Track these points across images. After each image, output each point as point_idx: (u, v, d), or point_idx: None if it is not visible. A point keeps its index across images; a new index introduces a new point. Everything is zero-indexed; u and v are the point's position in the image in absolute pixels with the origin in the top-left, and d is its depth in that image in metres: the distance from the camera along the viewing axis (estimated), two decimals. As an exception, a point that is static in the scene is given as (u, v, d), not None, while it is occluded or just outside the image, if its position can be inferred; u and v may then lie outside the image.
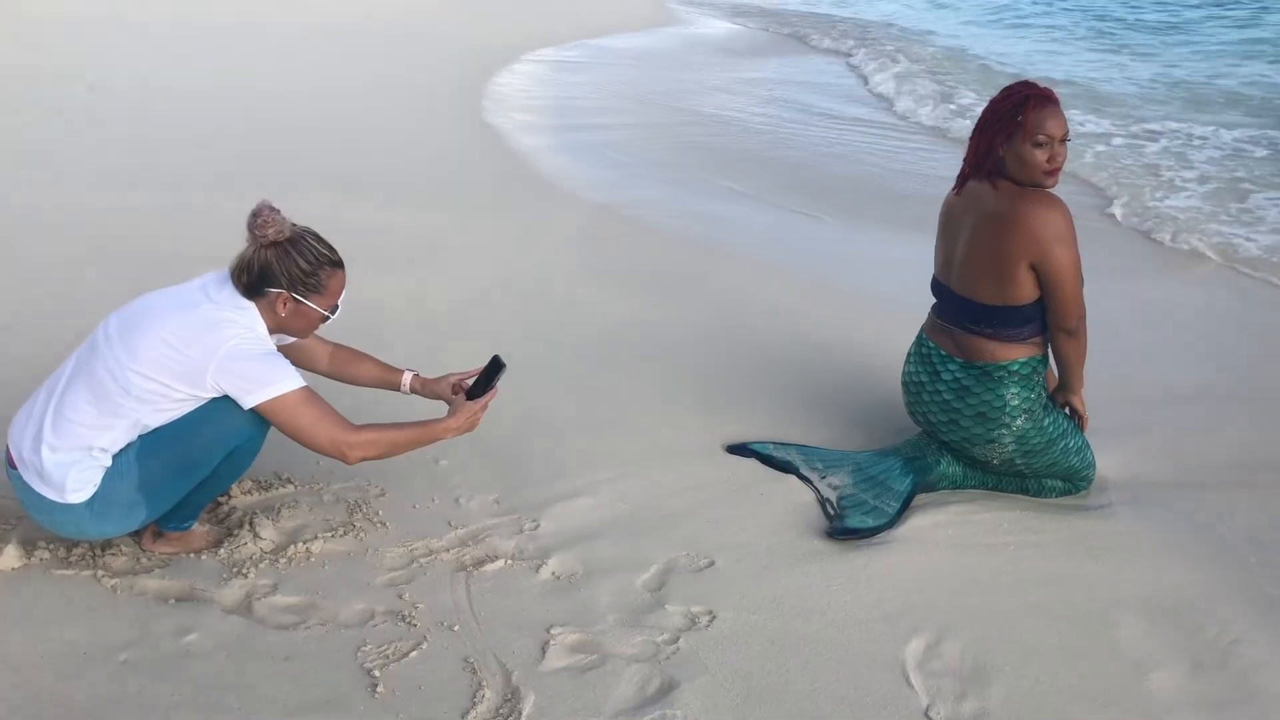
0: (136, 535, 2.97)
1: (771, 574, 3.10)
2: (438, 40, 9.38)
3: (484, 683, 2.59)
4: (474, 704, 2.52)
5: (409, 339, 4.32)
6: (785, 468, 3.67)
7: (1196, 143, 8.52)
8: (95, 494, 2.73)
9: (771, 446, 3.77)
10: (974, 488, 3.65)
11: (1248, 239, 6.38)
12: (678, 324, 4.65)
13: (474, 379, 3.05)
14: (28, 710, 2.41)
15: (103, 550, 2.93)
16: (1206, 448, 3.99)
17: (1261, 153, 8.25)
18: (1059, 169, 3.24)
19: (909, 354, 3.67)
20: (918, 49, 10.96)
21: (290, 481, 3.32)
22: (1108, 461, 3.82)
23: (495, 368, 3.01)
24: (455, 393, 3.09)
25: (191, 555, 2.96)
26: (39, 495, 2.74)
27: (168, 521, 2.91)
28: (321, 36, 9.04)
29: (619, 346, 4.41)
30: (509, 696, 2.56)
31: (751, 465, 3.67)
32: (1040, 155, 3.21)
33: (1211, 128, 8.86)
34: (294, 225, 2.72)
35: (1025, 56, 11.68)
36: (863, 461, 3.69)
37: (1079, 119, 8.77)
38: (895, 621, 2.94)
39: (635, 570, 3.06)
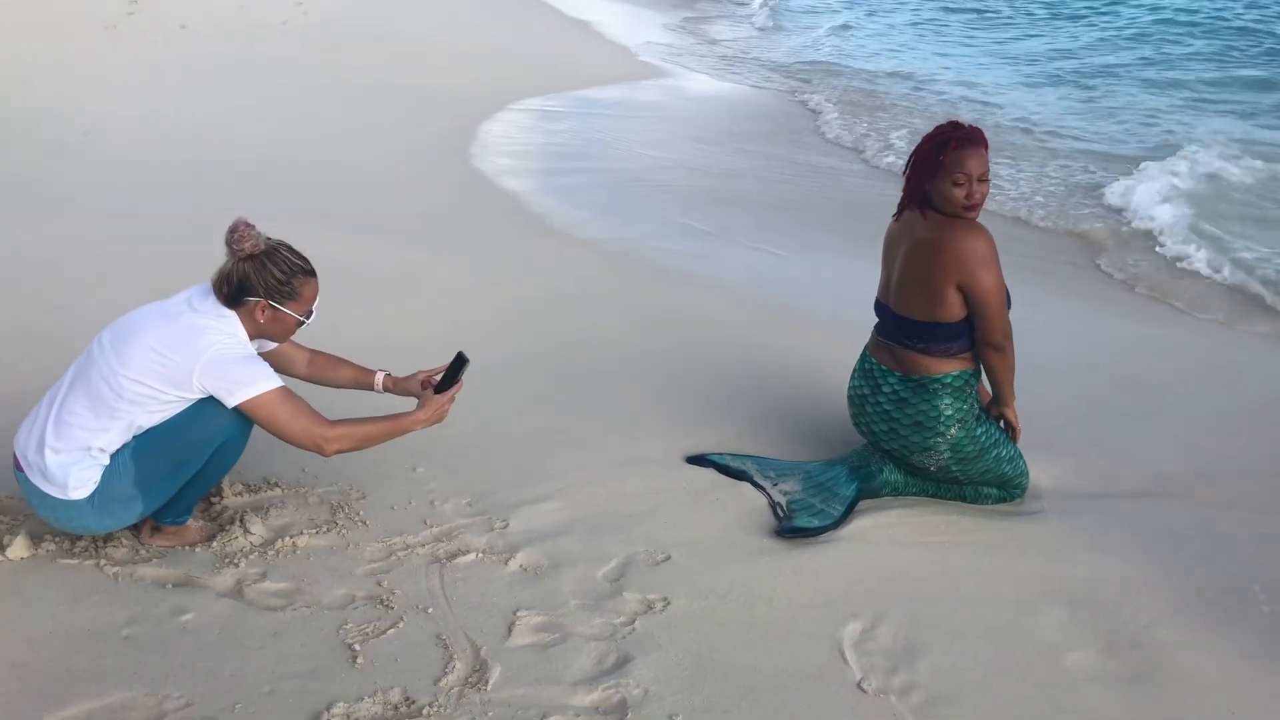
0: (135, 530, 3.21)
1: (723, 567, 3.37)
2: (425, 92, 9.74)
3: (455, 656, 2.84)
4: (445, 673, 2.77)
5: (390, 360, 4.58)
6: (740, 476, 3.93)
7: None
8: (96, 490, 2.98)
9: (728, 457, 4.04)
10: (915, 494, 3.93)
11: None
12: (643, 347, 4.93)
13: (441, 374, 3.31)
14: (41, 678, 2.65)
15: (104, 543, 3.18)
16: (1133, 462, 4.27)
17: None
18: (977, 205, 3.55)
19: (854, 370, 3.96)
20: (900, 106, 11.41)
21: (278, 485, 3.57)
22: (1042, 473, 4.10)
23: (460, 362, 3.27)
24: (424, 388, 3.35)
25: (186, 548, 3.20)
26: (44, 494, 2.99)
27: (164, 516, 3.16)
28: (313, 91, 9.39)
29: (588, 368, 4.67)
30: (477, 667, 2.81)
31: (709, 474, 3.93)
32: (959, 192, 3.52)
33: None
34: (268, 239, 2.99)
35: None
36: (812, 470, 3.97)
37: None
38: (835, 608, 3.21)
39: (597, 563, 3.32)
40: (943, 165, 3.52)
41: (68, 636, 2.80)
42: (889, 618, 3.18)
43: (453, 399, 3.24)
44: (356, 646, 2.84)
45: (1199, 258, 7.03)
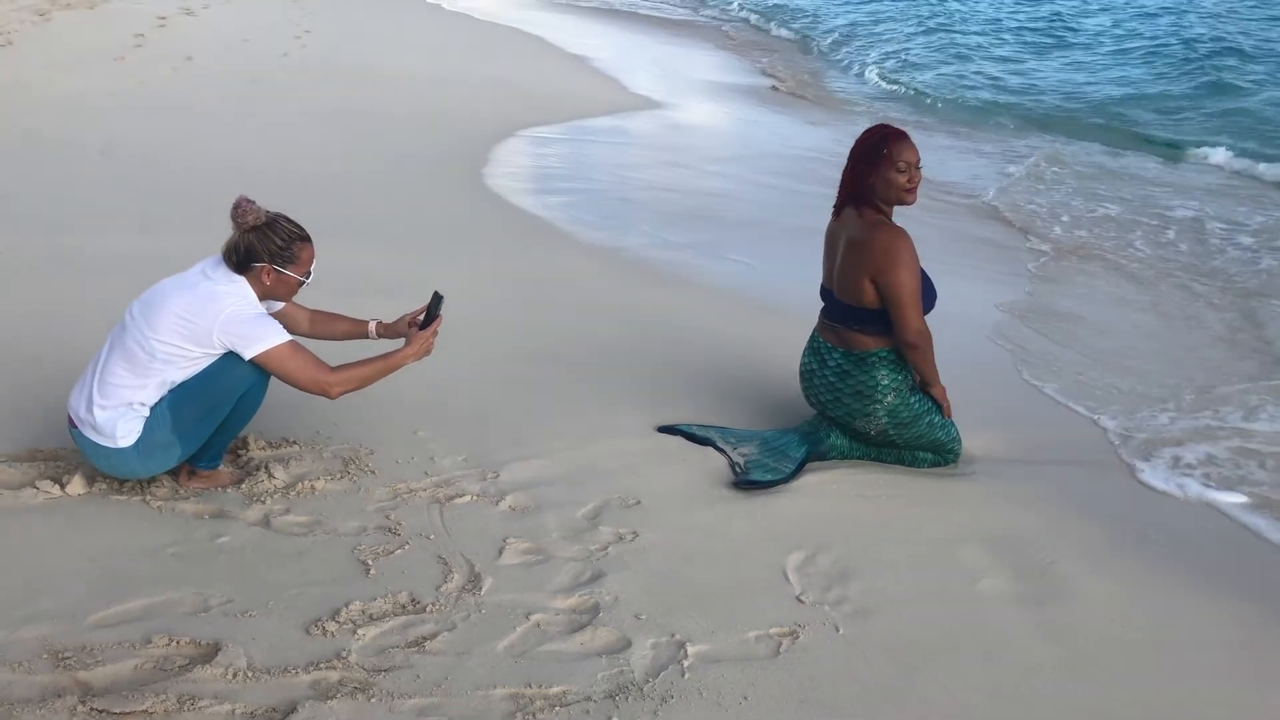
0: (174, 474, 3.70)
1: (686, 510, 3.87)
2: (426, 122, 10.29)
3: (453, 570, 3.34)
4: (445, 582, 3.27)
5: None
6: (704, 442, 4.44)
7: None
8: (140, 438, 3.48)
9: (695, 427, 4.54)
10: (858, 458, 4.43)
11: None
12: (623, 338, 5.43)
13: (423, 314, 3.80)
14: (101, 583, 3.13)
15: (148, 484, 3.67)
16: (1058, 433, 4.80)
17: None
18: (915, 189, 4.10)
19: (805, 349, 4.48)
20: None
21: (296, 443, 4.06)
22: (975, 442, 4.60)
23: (436, 300, 3.77)
24: (411, 327, 3.82)
25: (219, 490, 3.69)
26: (96, 444, 3.49)
27: (198, 461, 3.66)
28: (315, 120, 9.92)
29: (574, 355, 5.17)
30: (472, 579, 3.30)
31: (677, 441, 4.43)
32: (901, 178, 4.07)
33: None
34: (267, 211, 3.50)
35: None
36: (768, 437, 4.48)
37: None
38: (781, 541, 3.71)
39: (576, 506, 3.82)
40: (886, 156, 4.06)
41: (121, 552, 3.29)
42: (827, 550, 3.68)
43: (435, 332, 3.73)
44: (369, 562, 3.34)
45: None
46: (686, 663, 2.99)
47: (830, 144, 11.15)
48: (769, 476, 4.14)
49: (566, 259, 6.85)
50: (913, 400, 4.27)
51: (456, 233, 7.15)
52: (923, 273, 4.21)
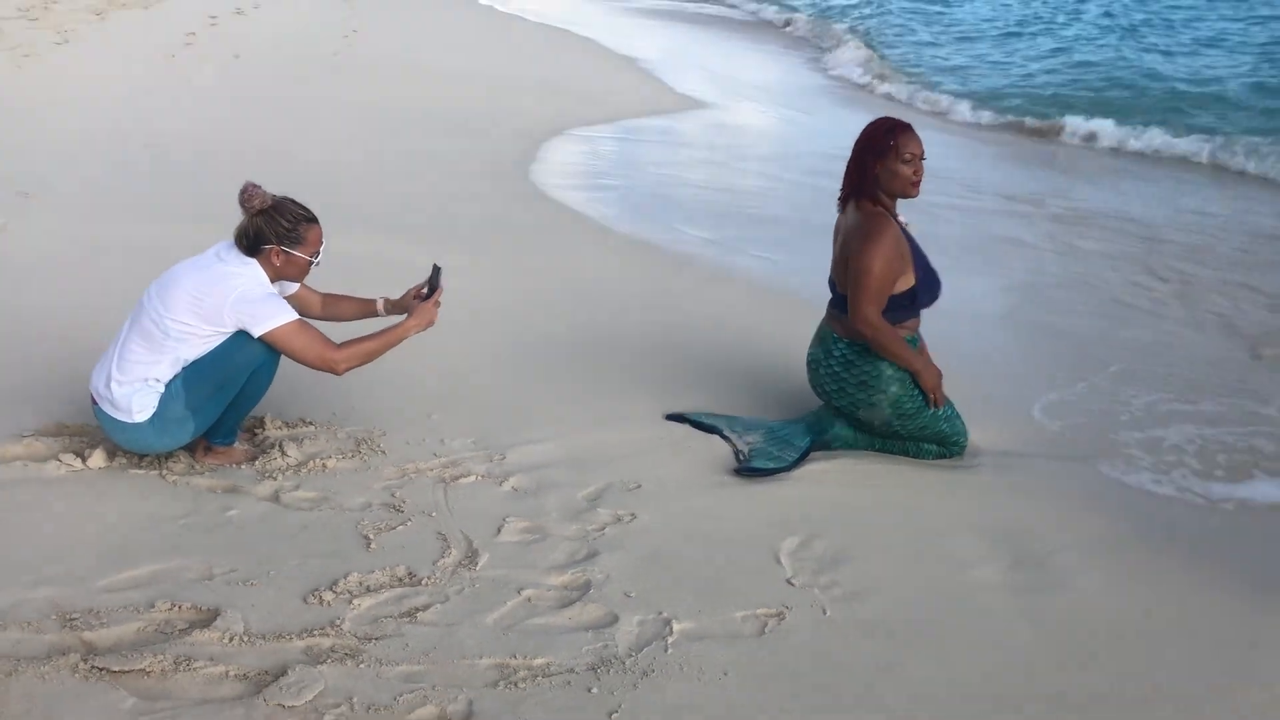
0: (190, 450, 3.84)
1: (685, 494, 3.94)
2: (480, 118, 10.46)
3: (451, 546, 3.44)
4: (442, 556, 3.37)
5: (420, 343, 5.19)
6: (711, 430, 4.50)
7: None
8: (155, 413, 3.62)
9: (703, 415, 4.61)
10: (864, 449, 4.47)
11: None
12: (640, 328, 5.51)
13: (425, 287, 3.90)
14: (113, 549, 3.27)
15: (165, 459, 3.81)
16: (1065, 427, 4.80)
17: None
18: (919, 181, 4.15)
19: (812, 339, 4.53)
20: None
21: (311, 423, 4.18)
22: (983, 435, 4.62)
23: (436, 272, 3.88)
24: (415, 300, 3.93)
25: (233, 466, 3.82)
26: (114, 419, 3.64)
27: (214, 437, 3.79)
28: (361, 117, 10.11)
29: (591, 344, 5.26)
30: (470, 554, 3.40)
31: (684, 429, 4.50)
32: (907, 169, 4.11)
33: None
34: (274, 195, 3.62)
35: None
36: (774, 426, 4.54)
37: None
38: (777, 526, 3.77)
39: (578, 488, 3.90)
40: (893, 147, 4.11)
41: (134, 522, 3.43)
42: (822, 535, 3.73)
43: (437, 303, 3.84)
44: (370, 536, 3.45)
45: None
46: (670, 639, 3.06)
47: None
48: (771, 464, 4.20)
49: (597, 252, 6.95)
50: (917, 391, 4.31)
51: (495, 226, 7.27)
52: (926, 265, 4.25)
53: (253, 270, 3.60)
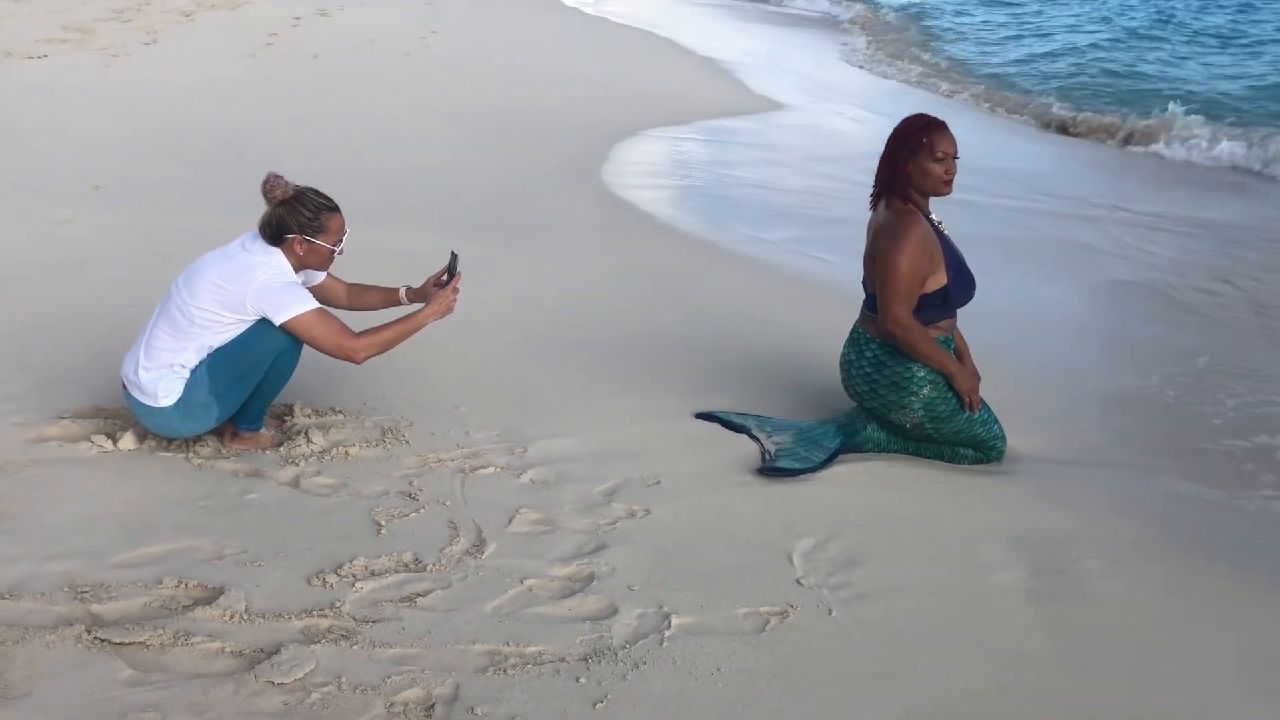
0: (219, 435, 3.92)
1: (704, 491, 3.92)
2: (555, 116, 10.55)
3: (461, 534, 3.46)
4: (450, 544, 3.39)
5: (462, 333, 5.24)
6: (740, 430, 4.47)
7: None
8: (180, 399, 3.71)
9: (733, 415, 4.58)
10: (897, 452, 4.40)
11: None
12: (682, 326, 5.49)
13: (445, 274, 3.93)
14: (133, 526, 3.36)
15: (193, 443, 3.90)
16: (1115, 435, 4.67)
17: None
18: (952, 180, 4.07)
19: (846, 340, 4.47)
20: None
21: (340, 412, 4.25)
22: (1026, 440, 4.52)
23: (454, 259, 3.91)
24: (435, 288, 3.96)
25: (259, 451, 3.90)
26: (141, 404, 3.74)
27: (240, 422, 3.87)
28: (434, 116, 10.26)
29: (627, 340, 5.24)
30: (477, 543, 3.42)
31: (713, 427, 4.48)
32: (939, 168, 4.04)
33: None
34: (296, 186, 3.68)
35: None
36: (805, 427, 4.49)
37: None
38: (794, 526, 3.72)
39: (596, 482, 3.90)
40: (926, 145, 4.04)
41: (155, 502, 3.52)
42: (840, 537, 3.68)
43: (455, 289, 3.87)
44: (382, 523, 3.49)
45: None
46: (668, 633, 3.04)
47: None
48: (796, 465, 4.16)
49: (653, 251, 6.95)
50: (950, 394, 4.22)
51: (556, 224, 7.31)
52: (959, 264, 4.17)
53: (276, 259, 3.67)
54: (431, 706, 2.67)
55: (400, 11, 16.23)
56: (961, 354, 4.45)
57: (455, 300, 3.88)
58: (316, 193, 3.73)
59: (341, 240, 3.77)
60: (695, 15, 21.12)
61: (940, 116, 4.14)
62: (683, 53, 16.01)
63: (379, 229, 6.29)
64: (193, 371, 3.69)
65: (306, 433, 4.01)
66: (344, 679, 2.72)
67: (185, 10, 14.01)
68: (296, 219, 3.65)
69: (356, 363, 3.70)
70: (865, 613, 3.25)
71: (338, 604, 3.03)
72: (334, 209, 3.74)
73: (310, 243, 3.68)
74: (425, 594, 3.13)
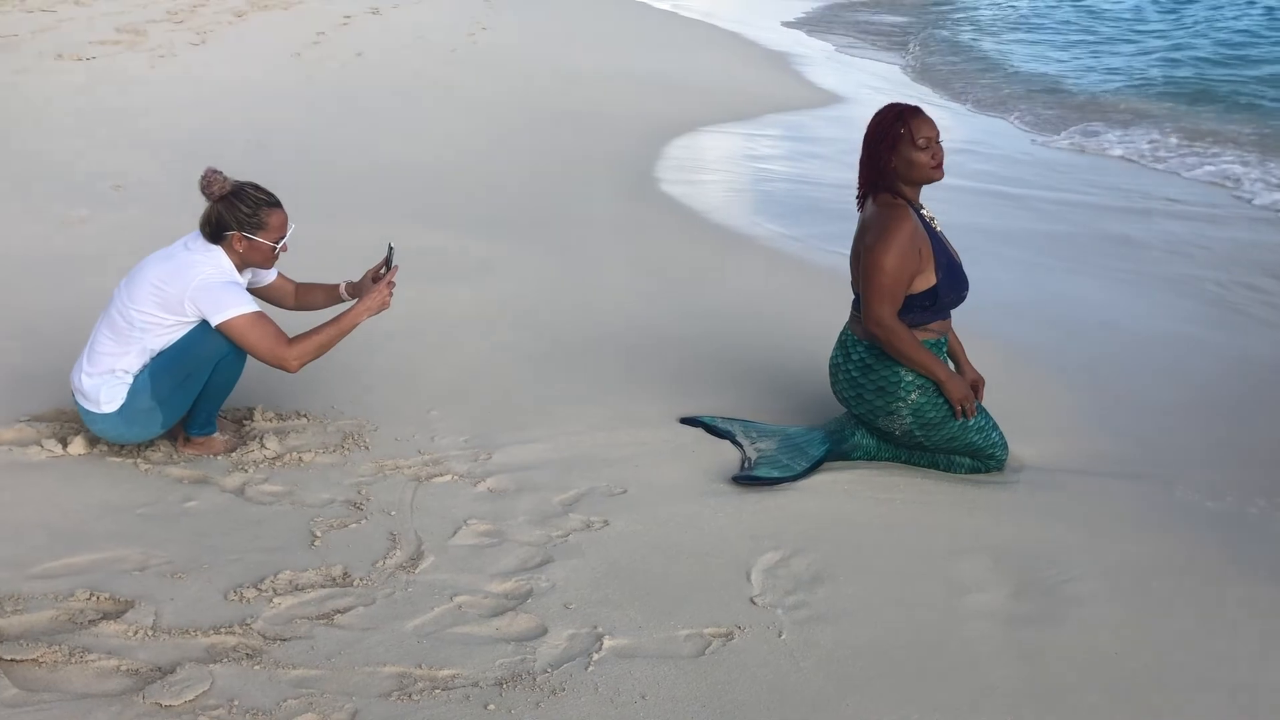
0: (171, 439, 3.82)
1: (671, 502, 3.71)
2: (609, 114, 10.42)
3: (399, 547, 3.31)
4: (385, 558, 3.24)
5: (448, 334, 5.11)
6: (725, 435, 4.25)
7: None
8: (123, 405, 3.61)
9: (719, 420, 4.37)
10: (888, 460, 4.15)
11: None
12: (685, 326, 5.28)
13: (382, 267, 3.79)
14: (64, 534, 3.26)
15: (144, 448, 3.80)
16: (1116, 446, 4.36)
17: None
18: (941, 163, 3.82)
19: (835, 341, 4.24)
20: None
21: (305, 416, 4.12)
22: (1030, 448, 4.25)
23: (391, 252, 3.78)
24: (374, 282, 3.81)
25: (212, 456, 3.79)
26: (87, 410, 3.65)
27: (190, 427, 3.76)
28: (472, 112, 10.17)
29: (622, 341, 5.06)
30: (414, 556, 3.26)
31: (695, 433, 4.27)
32: (924, 155, 3.79)
33: None
34: (235, 181, 3.56)
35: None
36: (792, 433, 4.26)
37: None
38: (759, 541, 3.50)
39: (557, 491, 3.72)
40: (905, 135, 3.79)
41: (93, 509, 3.42)
42: (807, 552, 3.45)
43: (390, 283, 3.71)
44: (319, 533, 3.35)
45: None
46: (596, 656, 2.85)
47: (985, 135, 10.63)
48: (775, 473, 3.94)
49: (672, 248, 6.77)
50: (941, 400, 3.96)
51: (593, 221, 7.18)
52: (950, 262, 3.92)
53: (215, 258, 3.56)
54: (323, 734, 2.51)
55: (454, 8, 16.22)
56: (956, 357, 4.19)
57: (390, 294, 3.73)
58: (256, 188, 3.61)
59: (284, 237, 3.64)
60: (768, 13, 20.84)
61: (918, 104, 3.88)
62: (748, 46, 15.80)
63: (400, 226, 6.20)
64: (135, 377, 3.59)
65: (262, 438, 3.89)
66: (237, 702, 2.58)
67: (238, 10, 14.13)
68: (235, 215, 3.54)
69: (291, 371, 3.57)
70: (818, 635, 3.03)
71: (249, 620, 2.89)
72: (274, 204, 3.61)
73: (250, 240, 3.56)
74: (345, 610, 2.97)
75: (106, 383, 3.57)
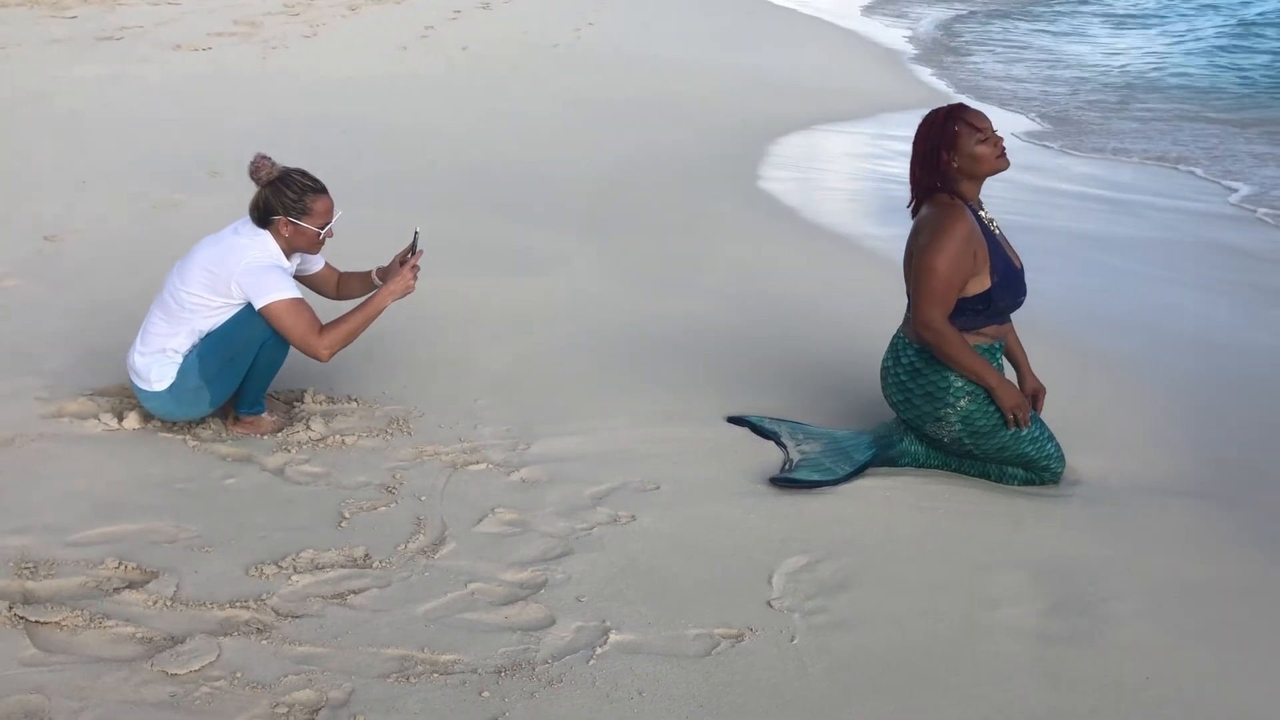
0: (222, 417, 3.93)
1: (704, 501, 3.67)
2: (714, 112, 10.43)
3: (423, 532, 3.34)
4: (407, 542, 3.28)
5: (512, 327, 5.15)
6: (771, 436, 4.20)
7: None
8: (173, 383, 3.72)
9: (766, 420, 4.31)
10: (936, 468, 4.05)
11: None
12: (748, 326, 5.24)
13: (408, 251, 3.84)
14: (103, 505, 3.38)
15: (195, 425, 3.91)
16: (1189, 463, 4.18)
17: None
18: (1005, 152, 3.72)
19: (888, 345, 4.15)
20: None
21: (355, 400, 4.20)
22: (1091, 463, 4.09)
23: (416, 237, 3.82)
24: (401, 266, 3.83)
25: (259, 436, 3.88)
26: (139, 388, 3.79)
27: (239, 407, 3.87)
28: (571, 107, 10.24)
29: (681, 339, 5.03)
30: (436, 541, 3.29)
31: (741, 432, 4.22)
32: (986, 148, 3.69)
33: None
34: (283, 167, 3.63)
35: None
36: (840, 437, 4.17)
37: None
38: (787, 544, 3.44)
39: (589, 484, 3.72)
40: (960, 132, 3.70)
41: (135, 482, 3.53)
42: (837, 558, 3.37)
43: (414, 267, 3.75)
44: (347, 515, 3.41)
45: None
46: (600, 650, 2.84)
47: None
48: (815, 476, 3.87)
49: (758, 245, 6.74)
50: (992, 408, 3.85)
51: (680, 221, 7.17)
52: (1007, 266, 3.80)
53: (263, 242, 3.64)
54: (317, 710, 2.55)
55: (563, 3, 16.34)
56: (1018, 364, 4.07)
57: (414, 278, 3.77)
58: (302, 174, 3.68)
59: (329, 223, 3.71)
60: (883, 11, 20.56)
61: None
62: (863, 44, 15.61)
63: (483, 219, 6.30)
64: (184, 357, 3.70)
65: (309, 420, 3.97)
66: (240, 674, 2.64)
67: (352, 4, 14.47)
68: (281, 200, 3.62)
69: (322, 360, 3.64)
70: (833, 642, 2.96)
71: (265, 596, 2.96)
72: (320, 190, 3.68)
73: (295, 225, 3.64)
74: (360, 591, 3.02)
75: (157, 361, 3.68)
